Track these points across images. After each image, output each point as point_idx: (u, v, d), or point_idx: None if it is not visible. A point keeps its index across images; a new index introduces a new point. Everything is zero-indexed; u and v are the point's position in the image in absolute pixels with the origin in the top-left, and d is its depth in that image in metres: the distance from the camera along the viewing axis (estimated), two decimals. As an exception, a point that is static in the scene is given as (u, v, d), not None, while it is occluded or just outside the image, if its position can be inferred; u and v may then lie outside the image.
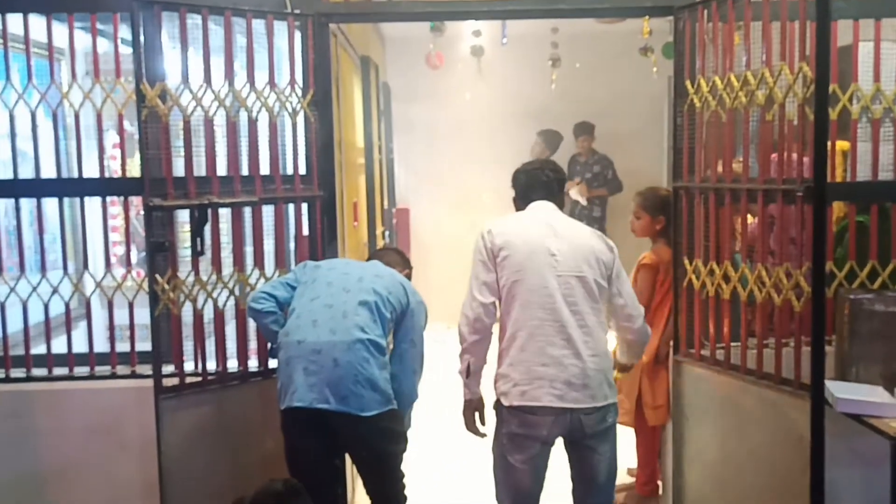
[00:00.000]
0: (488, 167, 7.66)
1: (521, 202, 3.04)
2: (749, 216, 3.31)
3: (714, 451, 3.34)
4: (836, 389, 2.81)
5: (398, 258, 3.39)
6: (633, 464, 3.99)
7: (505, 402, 2.75)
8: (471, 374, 2.85)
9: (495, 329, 2.85)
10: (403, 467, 3.03)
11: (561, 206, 3.02)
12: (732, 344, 3.26)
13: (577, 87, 7.32)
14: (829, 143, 2.90)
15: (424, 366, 3.11)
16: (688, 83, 3.39)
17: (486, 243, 2.84)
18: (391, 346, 3.04)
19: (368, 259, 3.38)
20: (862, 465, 2.98)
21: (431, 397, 4.96)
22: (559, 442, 2.80)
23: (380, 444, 2.90)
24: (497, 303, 2.82)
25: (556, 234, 2.84)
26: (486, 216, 7.38)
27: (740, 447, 3.21)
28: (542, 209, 2.95)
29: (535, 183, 3.01)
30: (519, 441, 2.73)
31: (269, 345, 3.16)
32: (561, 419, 2.69)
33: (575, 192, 7.16)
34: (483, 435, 2.94)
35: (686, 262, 3.42)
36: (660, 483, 3.89)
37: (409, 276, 3.31)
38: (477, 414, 2.92)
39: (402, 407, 3.01)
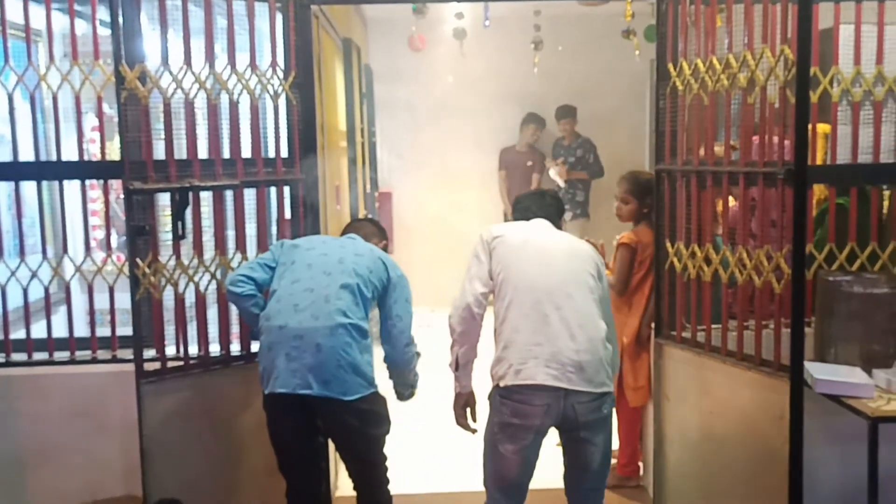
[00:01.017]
0: (471, 150, 7.67)
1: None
2: (731, 199, 3.33)
3: (695, 432, 3.36)
4: (815, 370, 2.84)
5: (375, 229, 3.36)
6: (615, 445, 4.01)
7: (501, 384, 2.70)
8: (460, 367, 2.84)
9: (486, 323, 2.83)
10: (386, 450, 3.03)
11: (559, 228, 3.05)
12: (713, 326, 3.28)
13: (560, 70, 7.31)
14: (809, 126, 2.91)
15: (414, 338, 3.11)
16: (670, 66, 3.39)
17: (483, 238, 2.89)
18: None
19: (344, 231, 3.34)
20: (840, 444, 3.02)
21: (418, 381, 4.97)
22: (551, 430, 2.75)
23: (362, 427, 2.90)
24: (488, 294, 2.82)
25: (550, 233, 2.94)
26: (468, 197, 7.50)
27: (720, 428, 3.24)
28: (540, 223, 3.00)
29: (535, 206, 3.08)
30: (511, 431, 2.68)
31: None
32: (554, 407, 2.63)
33: (553, 173, 7.16)
34: (474, 431, 2.93)
35: (668, 244, 3.43)
36: (641, 464, 3.93)
37: (385, 248, 3.30)
38: (468, 409, 2.92)
39: (401, 378, 3.10)
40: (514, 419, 2.67)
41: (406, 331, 3.07)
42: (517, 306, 2.73)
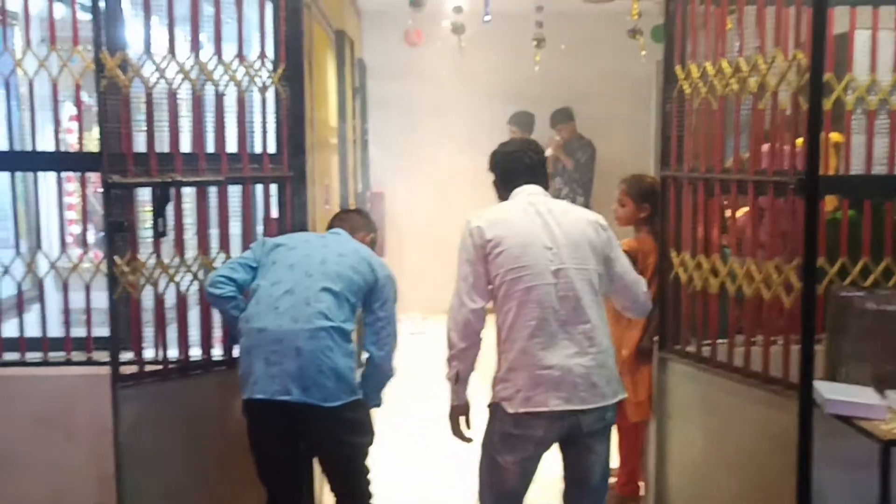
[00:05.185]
0: (467, 149, 7.53)
1: (503, 188, 2.90)
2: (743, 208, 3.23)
3: (698, 451, 3.28)
4: (825, 390, 2.74)
5: (362, 221, 3.25)
6: (614, 462, 3.91)
7: (509, 409, 2.60)
8: (460, 381, 2.74)
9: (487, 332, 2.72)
10: (369, 461, 2.95)
11: (547, 188, 2.88)
12: (719, 341, 3.19)
13: (562, 69, 7.21)
14: (822, 135, 2.81)
15: (398, 342, 3.05)
16: (678, 68, 3.31)
17: (474, 240, 2.69)
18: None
19: (331, 223, 3.24)
20: (849, 468, 2.93)
21: (409, 389, 4.89)
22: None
23: (344, 435, 2.83)
24: (486, 306, 2.70)
25: (548, 225, 2.70)
26: (464, 200, 7.38)
27: (725, 448, 3.15)
28: (529, 196, 2.80)
29: (517, 166, 2.87)
30: (512, 442, 2.61)
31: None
32: (559, 422, 2.58)
33: (548, 151, 7.13)
34: (470, 440, 2.83)
35: (673, 253, 3.33)
36: (641, 483, 3.83)
37: (374, 241, 3.22)
38: (463, 419, 2.81)
39: (378, 383, 2.99)
40: (517, 430, 2.61)
41: (392, 333, 3.00)
42: (522, 324, 2.60)
